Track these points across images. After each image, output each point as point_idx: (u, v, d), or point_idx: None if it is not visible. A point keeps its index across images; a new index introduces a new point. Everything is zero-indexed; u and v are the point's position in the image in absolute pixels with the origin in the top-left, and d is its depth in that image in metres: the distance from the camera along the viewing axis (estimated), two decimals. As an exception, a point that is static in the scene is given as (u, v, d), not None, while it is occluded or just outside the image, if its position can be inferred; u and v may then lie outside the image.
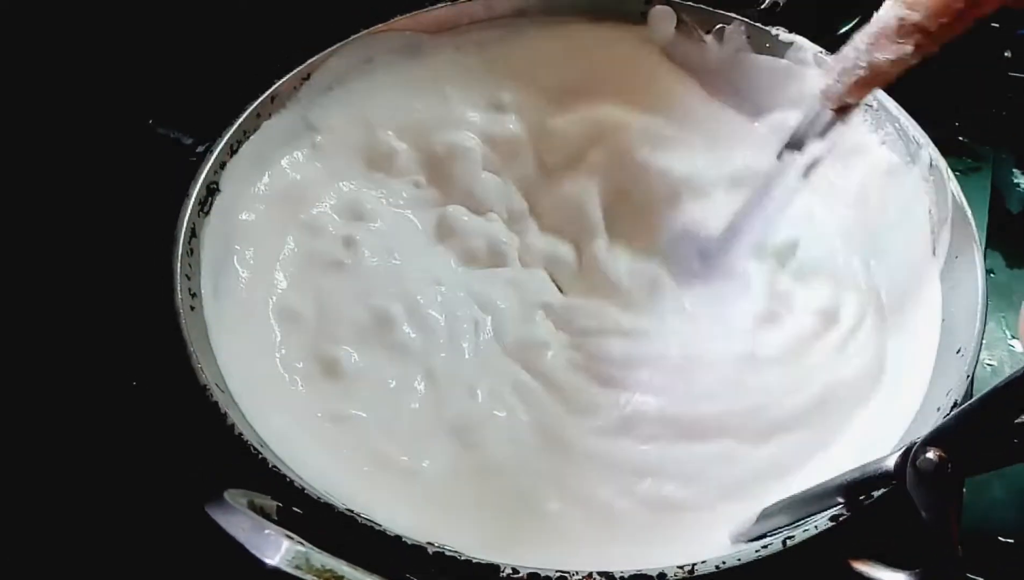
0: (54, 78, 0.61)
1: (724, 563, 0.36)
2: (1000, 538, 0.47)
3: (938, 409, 0.42)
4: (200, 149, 0.53)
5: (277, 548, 0.29)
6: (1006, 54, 0.70)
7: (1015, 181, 0.64)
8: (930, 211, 0.51)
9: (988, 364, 0.53)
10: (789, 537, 0.37)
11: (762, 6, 0.59)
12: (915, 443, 0.35)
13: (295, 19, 0.68)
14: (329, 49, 0.58)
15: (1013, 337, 0.54)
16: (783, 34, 0.58)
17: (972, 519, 0.47)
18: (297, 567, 0.29)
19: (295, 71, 0.57)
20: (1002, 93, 0.69)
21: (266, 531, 0.30)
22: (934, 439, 0.35)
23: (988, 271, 0.47)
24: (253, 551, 0.29)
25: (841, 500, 0.38)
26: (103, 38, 0.62)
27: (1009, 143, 0.66)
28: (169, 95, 0.64)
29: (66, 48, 0.61)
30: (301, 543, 0.30)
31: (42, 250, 0.56)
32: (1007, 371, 0.53)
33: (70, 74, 0.61)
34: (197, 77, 0.64)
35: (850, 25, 0.60)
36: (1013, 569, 0.46)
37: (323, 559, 0.30)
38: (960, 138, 0.65)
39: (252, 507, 0.34)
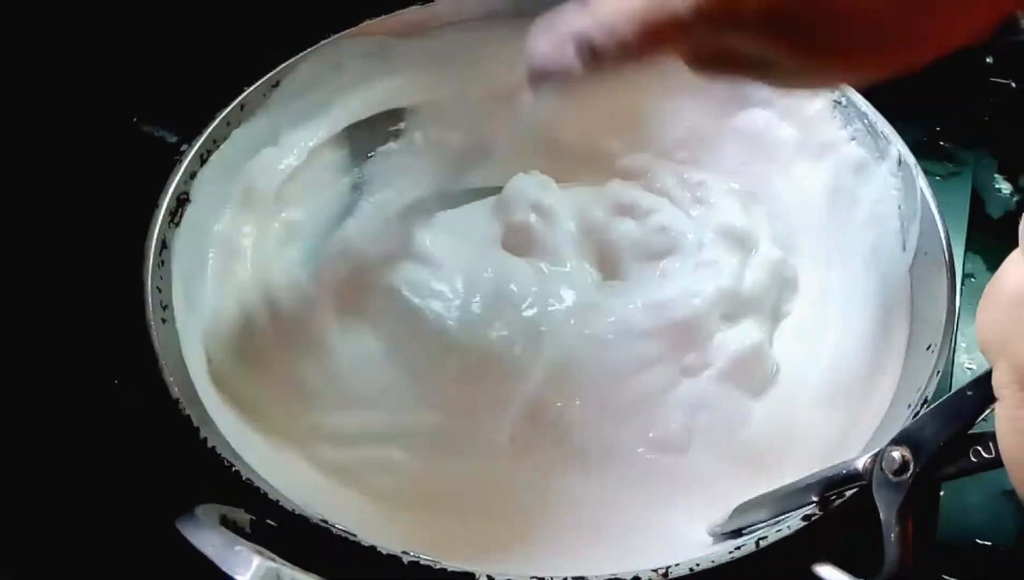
0: (37, 74, 0.60)
1: (698, 565, 0.37)
2: (977, 540, 0.48)
3: (908, 406, 0.42)
4: (184, 148, 0.53)
5: (248, 565, 0.29)
6: (988, 60, 0.71)
7: (996, 186, 0.65)
8: (899, 207, 0.51)
9: (968, 368, 0.54)
10: (762, 538, 0.37)
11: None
12: (884, 446, 0.36)
13: (269, 21, 0.68)
14: (298, 55, 0.58)
15: None
16: (751, 32, 0.58)
17: (949, 522, 0.48)
18: (268, 584, 0.29)
19: (264, 78, 0.56)
20: (984, 98, 0.69)
21: (237, 547, 0.30)
22: (900, 440, 0.35)
23: (969, 275, 0.47)
24: (224, 568, 0.29)
25: (813, 499, 0.38)
26: (87, 33, 0.61)
27: (990, 148, 0.66)
28: (153, 92, 0.63)
29: (49, 43, 0.60)
30: (272, 559, 0.30)
31: (20, 250, 0.56)
32: None
33: (53, 70, 0.60)
34: (181, 75, 0.63)
35: None
36: (990, 572, 0.47)
37: (294, 575, 0.30)
38: (941, 143, 0.65)
39: (224, 522, 0.34)
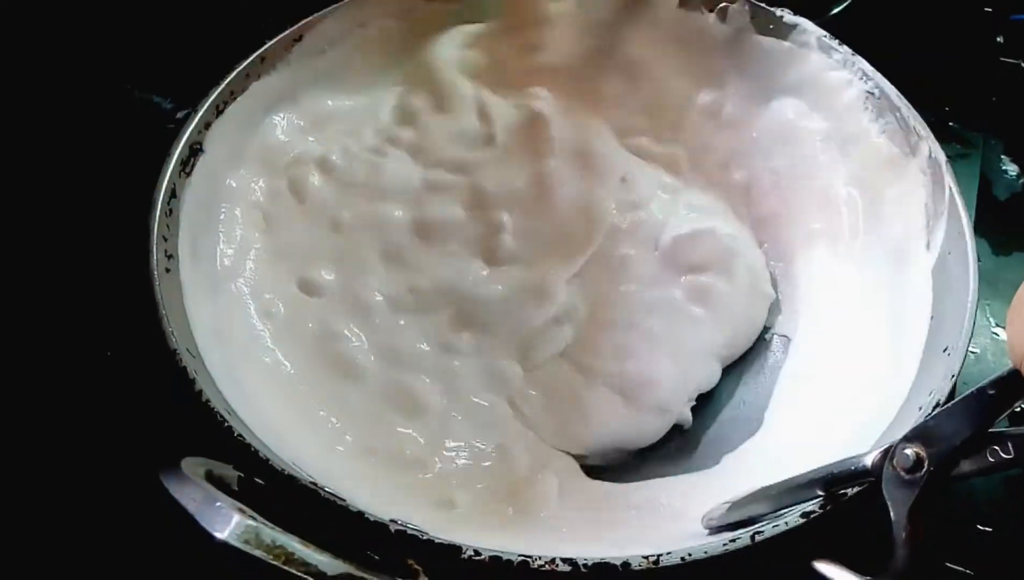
0: (27, 37, 0.58)
1: (690, 555, 0.36)
2: (979, 527, 0.47)
3: (920, 408, 0.41)
4: (180, 115, 0.52)
5: (227, 522, 0.29)
6: (998, 39, 0.70)
7: (1003, 168, 0.64)
8: (926, 205, 0.49)
9: (972, 352, 0.52)
10: (758, 532, 0.37)
11: (768, -15, 0.58)
12: (896, 442, 0.35)
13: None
14: (323, 11, 0.57)
15: (998, 325, 0.53)
16: (787, 16, 0.57)
17: (951, 508, 0.47)
18: (246, 542, 0.28)
19: (286, 32, 0.56)
20: (994, 78, 0.68)
21: (217, 503, 0.29)
22: (914, 437, 0.34)
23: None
24: (202, 523, 0.29)
25: (817, 494, 0.37)
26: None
27: (999, 129, 0.65)
28: (148, 57, 0.61)
29: (40, 6, 0.58)
30: (253, 517, 0.29)
31: (13, 216, 0.55)
32: (989, 359, 0.52)
33: (44, 33, 0.58)
34: (177, 38, 0.61)
35: (842, 6, 0.58)
36: (992, 558, 0.46)
37: (274, 535, 0.29)
38: (951, 124, 0.64)
39: (210, 477, 0.33)
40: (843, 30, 0.56)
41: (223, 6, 0.63)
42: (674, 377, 0.51)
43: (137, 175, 0.48)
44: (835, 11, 0.57)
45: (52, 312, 0.51)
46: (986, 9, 0.72)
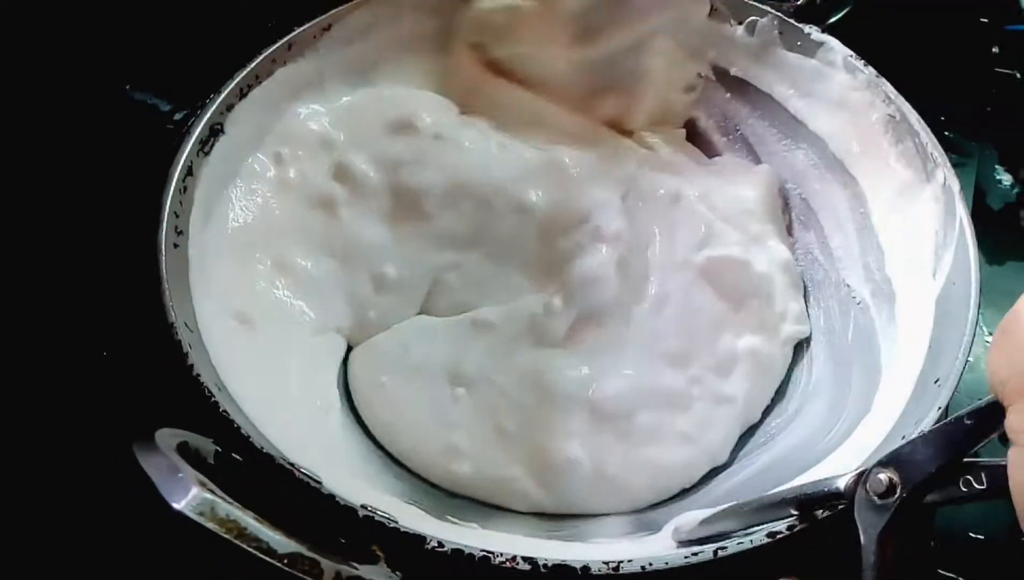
0: (26, 38, 0.57)
1: (651, 564, 0.36)
2: (971, 534, 0.47)
3: (903, 438, 0.40)
4: (178, 116, 0.52)
5: (185, 493, 0.29)
6: (994, 49, 0.70)
7: (997, 177, 0.64)
8: (936, 232, 0.49)
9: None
10: (721, 547, 0.37)
11: (798, 2, 0.57)
12: (870, 466, 0.34)
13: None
14: (355, 2, 0.58)
15: (991, 333, 0.52)
16: (815, 33, 0.56)
17: (943, 516, 0.47)
18: (201, 514, 0.29)
19: (315, 20, 0.56)
20: (989, 88, 0.69)
21: (179, 475, 0.30)
22: (888, 462, 0.34)
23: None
24: (162, 492, 0.30)
25: (790, 513, 0.37)
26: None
27: (993, 139, 0.66)
28: (146, 58, 0.61)
29: (39, 7, 0.59)
30: (212, 491, 0.30)
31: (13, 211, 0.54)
32: (983, 367, 0.51)
33: (43, 35, 0.57)
34: (176, 40, 0.61)
35: (840, 14, 0.58)
36: (983, 565, 0.46)
37: (229, 509, 0.30)
38: (946, 133, 0.63)
39: (184, 449, 0.34)
40: (840, 39, 0.56)
41: (222, 8, 0.63)
42: None
43: (134, 176, 0.49)
44: (832, 20, 0.57)
45: (53, 301, 0.52)
46: (982, 20, 0.71)
